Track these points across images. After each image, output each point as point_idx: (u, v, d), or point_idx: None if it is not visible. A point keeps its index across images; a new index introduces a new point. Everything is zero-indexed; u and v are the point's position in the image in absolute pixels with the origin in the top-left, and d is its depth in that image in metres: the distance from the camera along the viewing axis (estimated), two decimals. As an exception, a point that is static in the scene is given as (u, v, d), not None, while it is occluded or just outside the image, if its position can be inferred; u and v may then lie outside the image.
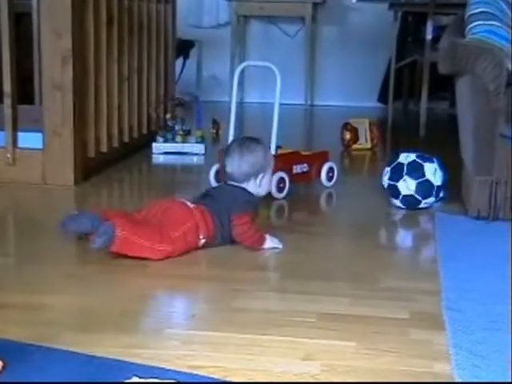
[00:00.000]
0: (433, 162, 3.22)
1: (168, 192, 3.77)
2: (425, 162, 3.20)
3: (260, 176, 2.76)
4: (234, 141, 2.97)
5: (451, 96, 5.90)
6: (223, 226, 2.63)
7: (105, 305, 2.14)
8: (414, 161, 3.21)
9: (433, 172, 3.18)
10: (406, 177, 3.18)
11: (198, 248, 2.60)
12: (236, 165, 2.74)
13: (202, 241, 2.60)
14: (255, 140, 2.85)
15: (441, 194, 3.25)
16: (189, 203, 2.64)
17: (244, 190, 2.74)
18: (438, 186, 3.19)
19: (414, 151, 3.30)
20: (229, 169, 2.77)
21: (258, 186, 2.77)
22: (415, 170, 3.19)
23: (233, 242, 2.66)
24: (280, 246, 2.67)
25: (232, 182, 2.77)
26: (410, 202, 3.20)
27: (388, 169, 3.27)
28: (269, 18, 6.86)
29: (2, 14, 3.44)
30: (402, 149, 3.42)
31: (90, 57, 3.70)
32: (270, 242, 2.66)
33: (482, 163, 3.04)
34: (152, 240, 2.46)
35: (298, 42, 6.81)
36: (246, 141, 2.84)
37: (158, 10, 4.78)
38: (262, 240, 2.65)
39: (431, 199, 3.21)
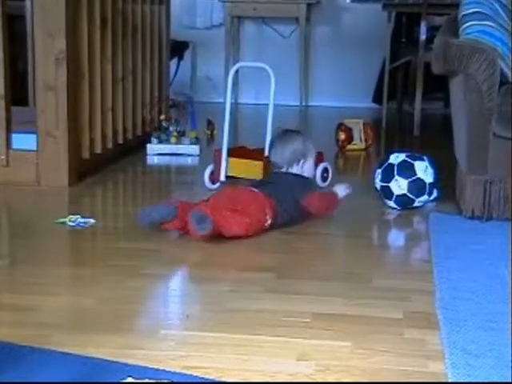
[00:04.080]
0: (423, 160, 3.22)
1: (163, 193, 3.77)
2: (415, 160, 3.20)
3: (301, 162, 3.08)
4: (275, 135, 3.27)
5: (445, 96, 5.91)
6: (284, 204, 2.86)
7: (99, 306, 2.14)
8: (404, 160, 3.20)
9: (424, 170, 3.18)
10: (397, 177, 3.18)
11: (265, 229, 2.79)
12: (279, 153, 3.09)
13: (269, 221, 2.81)
14: (294, 131, 3.24)
15: (434, 192, 3.25)
16: (253, 188, 2.86)
17: (296, 174, 3.05)
18: (430, 184, 3.19)
19: (407, 151, 3.30)
20: (273, 158, 3.12)
21: (302, 172, 3.08)
22: (406, 170, 3.18)
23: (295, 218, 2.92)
24: (349, 190, 3.08)
25: (280, 170, 3.08)
26: (404, 202, 3.21)
27: (379, 170, 3.27)
28: (263, 18, 6.86)
29: (-5, 16, 3.44)
30: (396, 149, 3.42)
31: (84, 58, 3.69)
32: (342, 192, 3.06)
33: (475, 163, 3.05)
34: (235, 213, 2.68)
35: (292, 42, 6.80)
36: (286, 132, 3.19)
37: (152, 11, 4.77)
38: (336, 201, 3.01)
39: (425, 197, 3.21)
